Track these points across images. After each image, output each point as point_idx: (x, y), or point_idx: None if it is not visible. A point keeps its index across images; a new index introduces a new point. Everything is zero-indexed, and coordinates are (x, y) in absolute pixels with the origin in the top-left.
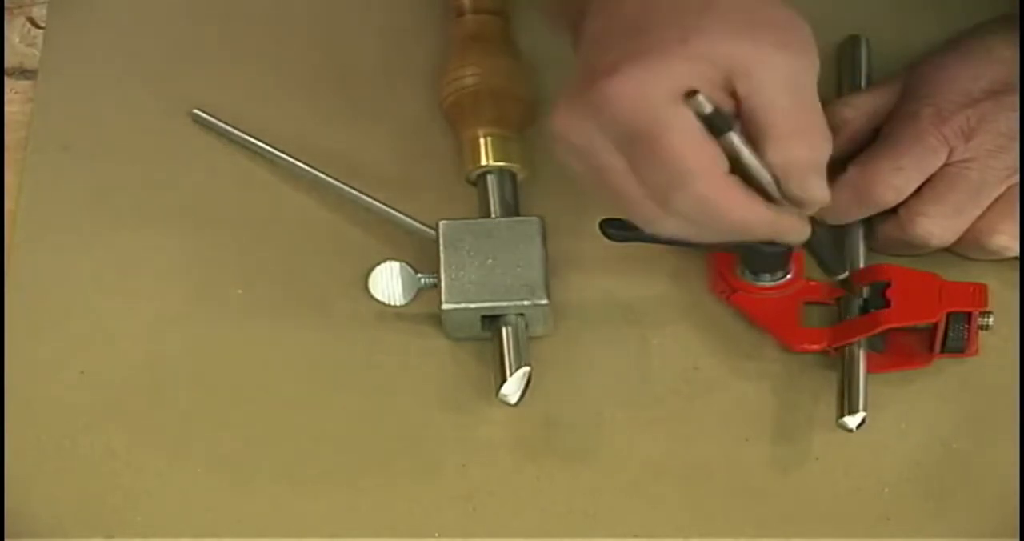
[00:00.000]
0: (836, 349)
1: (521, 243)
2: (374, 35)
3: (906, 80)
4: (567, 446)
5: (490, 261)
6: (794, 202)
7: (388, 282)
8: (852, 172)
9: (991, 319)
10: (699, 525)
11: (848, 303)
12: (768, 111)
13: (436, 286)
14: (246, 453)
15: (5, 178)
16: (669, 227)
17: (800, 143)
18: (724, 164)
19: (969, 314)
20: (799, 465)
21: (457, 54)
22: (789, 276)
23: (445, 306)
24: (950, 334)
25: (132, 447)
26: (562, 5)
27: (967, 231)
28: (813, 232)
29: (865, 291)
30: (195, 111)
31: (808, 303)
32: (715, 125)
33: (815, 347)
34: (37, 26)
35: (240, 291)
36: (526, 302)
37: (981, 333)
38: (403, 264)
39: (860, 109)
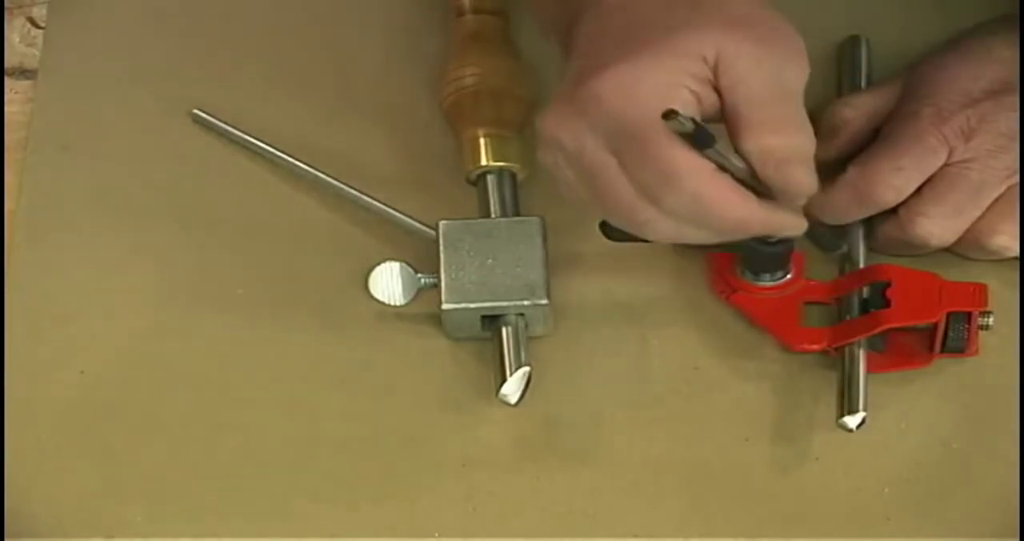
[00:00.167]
0: (836, 349)
1: (521, 243)
2: (374, 35)
3: (906, 80)
4: (567, 446)
5: (490, 261)
6: (777, 193)
7: (388, 282)
8: (852, 172)
9: (991, 319)
10: (699, 525)
11: (848, 303)
12: (746, 103)
13: (436, 286)
14: (246, 453)
15: (5, 178)
16: (663, 229)
17: (774, 132)
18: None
19: (969, 314)
20: (799, 465)
21: (457, 54)
22: (789, 276)
23: (445, 306)
24: (950, 334)
25: (132, 447)
26: (554, 15)
27: (967, 231)
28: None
29: (865, 291)
30: (195, 111)
31: (808, 303)
32: (697, 140)
33: (815, 347)
34: (37, 26)
35: (240, 291)
36: (526, 302)
37: (981, 333)
38: (403, 264)
39: (860, 109)
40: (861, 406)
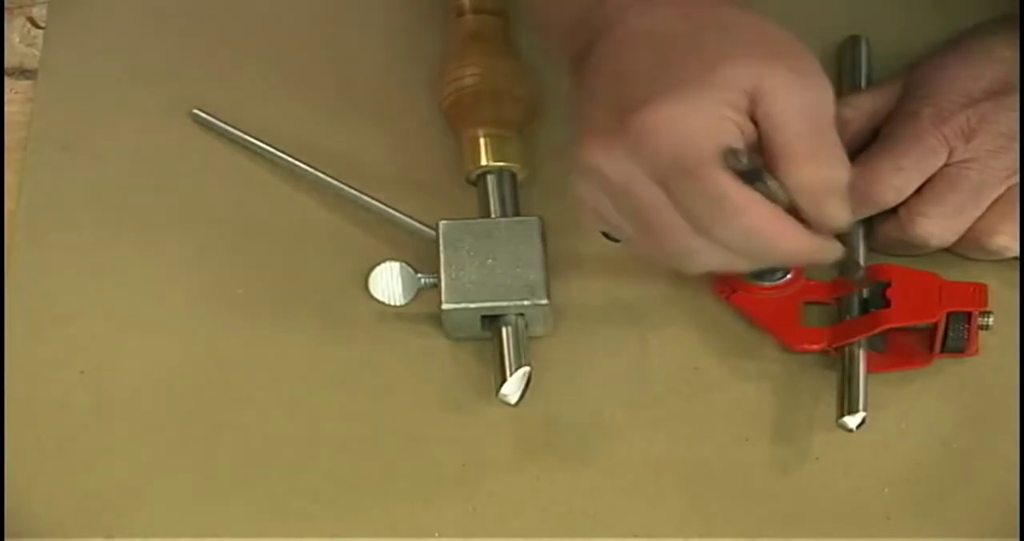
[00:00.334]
0: (836, 349)
1: (521, 243)
2: (374, 35)
3: (906, 80)
4: (567, 446)
5: (490, 261)
6: (812, 222)
7: (388, 282)
8: (852, 172)
9: (991, 319)
10: (699, 525)
11: (848, 303)
12: (784, 133)
13: (436, 286)
14: (246, 453)
15: (5, 178)
16: (711, 259)
17: (811, 163)
18: None
19: (969, 314)
20: (799, 465)
21: (457, 54)
22: (789, 276)
23: (445, 306)
24: (950, 334)
25: (132, 447)
26: (565, 39)
27: (967, 231)
28: None
29: (865, 291)
30: (195, 111)
31: (808, 303)
32: (750, 175)
33: (815, 347)
34: (37, 26)
35: (240, 291)
36: (526, 302)
37: (981, 333)
38: (403, 264)
39: (860, 109)
40: (861, 406)
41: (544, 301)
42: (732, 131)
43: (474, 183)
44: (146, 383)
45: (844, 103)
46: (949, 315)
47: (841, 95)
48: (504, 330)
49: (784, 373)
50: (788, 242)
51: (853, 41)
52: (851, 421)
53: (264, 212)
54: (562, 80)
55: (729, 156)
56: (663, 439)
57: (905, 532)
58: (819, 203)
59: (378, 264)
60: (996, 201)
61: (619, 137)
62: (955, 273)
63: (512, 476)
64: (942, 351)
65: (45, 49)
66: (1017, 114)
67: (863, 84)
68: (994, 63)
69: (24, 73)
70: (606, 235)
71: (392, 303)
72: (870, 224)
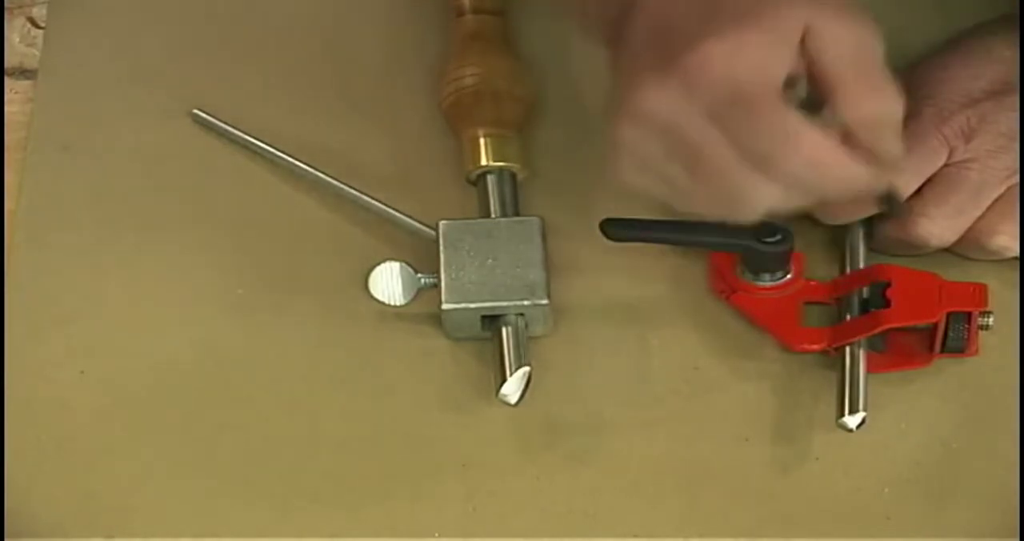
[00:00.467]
0: (836, 349)
1: (521, 243)
2: (374, 35)
3: (906, 80)
4: (567, 446)
5: (490, 261)
6: (868, 155)
7: (388, 282)
8: None
9: (991, 319)
10: (699, 525)
11: (848, 303)
12: (838, 68)
13: (436, 286)
14: (246, 453)
15: (5, 178)
16: (766, 197)
17: (869, 98)
18: None
19: (969, 314)
20: (799, 465)
21: (457, 54)
22: (789, 276)
23: (445, 306)
24: (950, 334)
25: (132, 447)
26: (596, 8)
27: (967, 231)
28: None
29: (865, 291)
30: (195, 111)
31: (808, 303)
32: (808, 106)
33: (815, 347)
34: (37, 26)
35: (240, 291)
36: (526, 302)
37: (981, 333)
38: (403, 264)
39: None
40: (861, 406)
41: (544, 301)
42: (788, 64)
43: (474, 183)
44: (146, 383)
45: None
46: (949, 315)
47: None
48: (504, 330)
49: (784, 373)
50: (847, 171)
51: None
52: (851, 421)
53: (264, 212)
54: (562, 80)
55: (792, 85)
56: (663, 439)
57: (905, 532)
58: (875, 135)
59: (378, 264)
60: (996, 201)
61: (672, 76)
62: (955, 273)
63: (512, 476)
64: (942, 351)
65: (45, 49)
66: (1017, 114)
67: None
68: (994, 63)
69: (24, 73)
70: (606, 234)
71: (392, 303)
72: (870, 224)
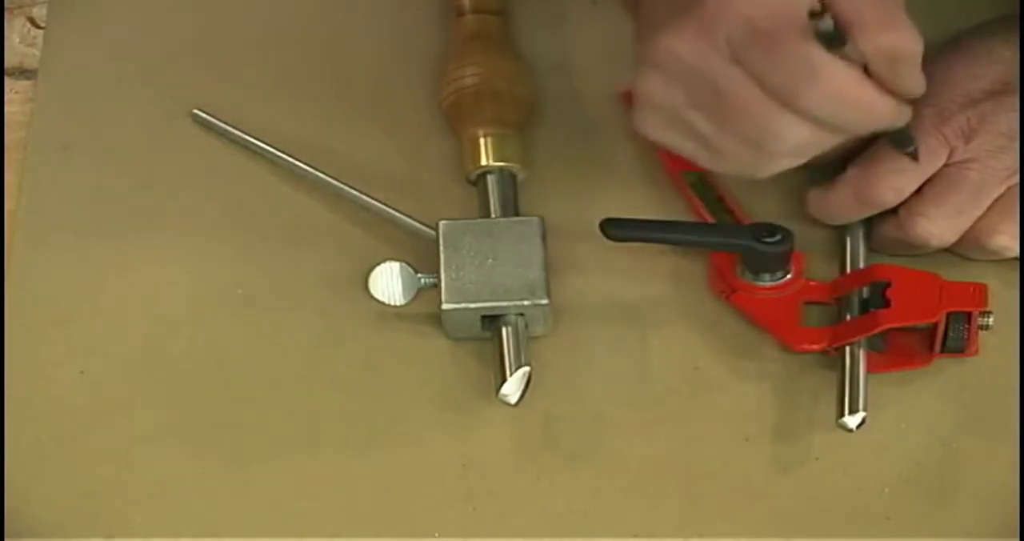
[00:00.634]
0: (836, 349)
1: (521, 243)
2: (374, 35)
3: None
4: (567, 446)
5: (490, 261)
6: (889, 89)
7: (388, 282)
8: (852, 172)
9: (991, 319)
10: (699, 525)
11: (848, 303)
12: (857, 6)
13: (436, 286)
14: (246, 453)
15: (5, 178)
16: (793, 134)
17: (887, 32)
18: None
19: (969, 314)
20: (799, 465)
21: (457, 54)
22: (789, 276)
23: (445, 306)
24: (950, 334)
25: (132, 447)
26: None
27: (967, 231)
28: None
29: (865, 291)
30: (195, 111)
31: (808, 303)
32: (832, 40)
33: (815, 347)
34: (37, 26)
35: (240, 291)
36: (526, 302)
37: (981, 333)
38: (403, 264)
39: None
40: (861, 406)
41: (544, 301)
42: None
43: (474, 183)
44: (146, 383)
45: None
46: (949, 315)
47: None
48: (504, 330)
49: (784, 373)
50: (871, 102)
51: None
52: (851, 421)
53: (264, 212)
54: (562, 80)
55: (816, 16)
56: (663, 439)
57: (905, 532)
58: (895, 68)
59: (378, 264)
60: (996, 201)
61: (692, 20)
62: (955, 273)
63: (512, 476)
64: (942, 351)
65: (45, 49)
66: (1017, 114)
67: None
68: (994, 63)
69: (24, 73)
70: (606, 234)
71: (392, 303)
72: (870, 224)
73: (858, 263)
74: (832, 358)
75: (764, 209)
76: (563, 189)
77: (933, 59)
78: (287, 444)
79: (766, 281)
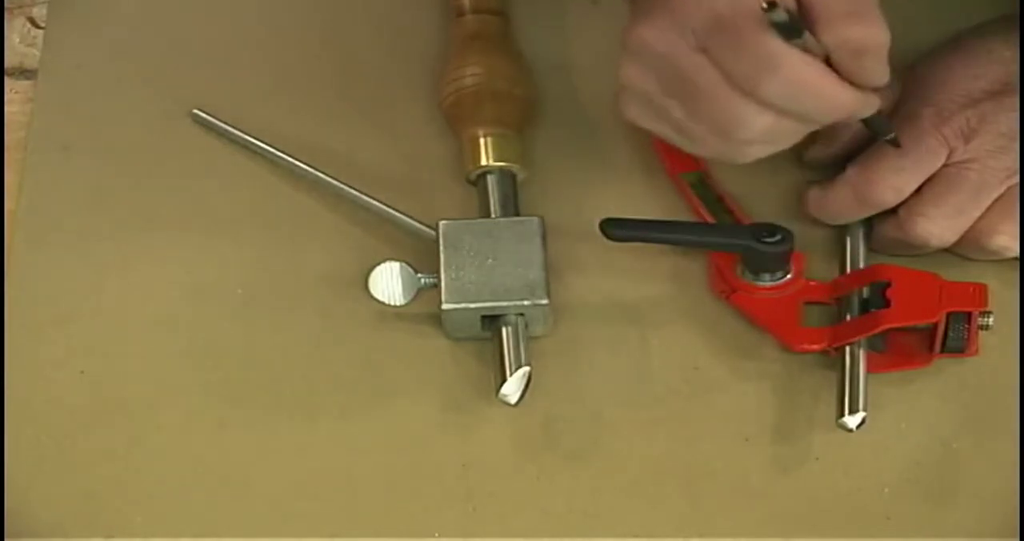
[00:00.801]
0: (836, 349)
1: (521, 243)
2: (374, 35)
3: (906, 80)
4: (567, 446)
5: (490, 261)
6: (851, 79)
7: (388, 282)
8: (852, 172)
9: (991, 319)
10: (699, 525)
11: (848, 303)
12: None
13: (436, 286)
14: (246, 453)
15: (5, 178)
16: (759, 124)
17: (851, 24)
18: None
19: (969, 314)
20: (799, 465)
21: (457, 54)
22: (789, 276)
23: (445, 306)
24: (950, 334)
25: (132, 447)
26: None
27: (967, 231)
28: None
29: (865, 291)
30: (195, 111)
31: (808, 303)
32: (790, 30)
33: (815, 347)
34: (37, 26)
35: (240, 291)
36: (526, 302)
37: (981, 333)
38: (403, 264)
39: None
40: (861, 406)
41: (544, 301)
42: None
43: (474, 183)
44: (146, 383)
45: None
46: (949, 315)
47: None
48: (504, 330)
49: (784, 373)
50: (832, 91)
51: None
52: (851, 421)
53: (264, 212)
54: (562, 80)
55: (770, 8)
56: (663, 439)
57: (905, 532)
58: (855, 59)
59: (378, 264)
60: (996, 201)
61: (664, 10)
62: (955, 273)
63: (512, 476)
64: (942, 351)
65: (45, 49)
66: (1017, 114)
67: None
68: (994, 63)
69: (24, 73)
70: (606, 234)
71: (392, 303)
72: (870, 224)
73: (858, 263)
74: (832, 358)
75: (764, 209)
76: (563, 189)
77: (933, 59)
78: (287, 444)
79: (766, 281)
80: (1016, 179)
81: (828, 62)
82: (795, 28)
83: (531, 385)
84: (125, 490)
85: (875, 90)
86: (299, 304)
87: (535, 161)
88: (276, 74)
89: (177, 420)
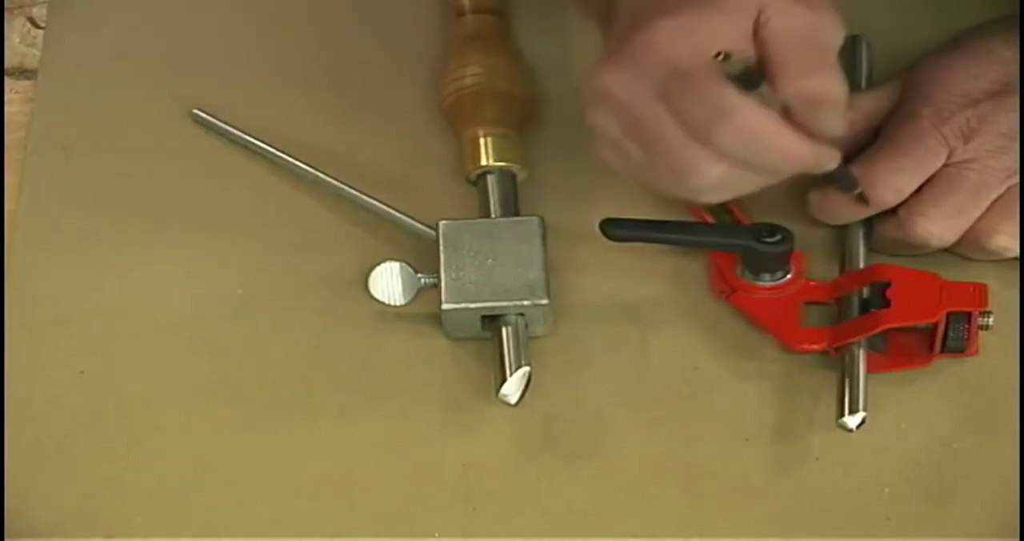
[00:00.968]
0: (836, 349)
1: (521, 243)
2: (374, 35)
3: (906, 80)
4: (567, 446)
5: (490, 261)
6: (808, 131)
7: (388, 282)
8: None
9: (991, 319)
10: (699, 525)
11: (848, 303)
12: (782, 50)
13: (436, 286)
14: (246, 453)
15: (5, 178)
16: (713, 173)
17: (808, 76)
18: None
19: (969, 314)
20: (799, 465)
21: (457, 54)
22: (789, 276)
23: (445, 306)
24: (950, 334)
25: (132, 447)
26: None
27: (967, 231)
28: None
29: (865, 291)
30: (195, 111)
31: (808, 303)
32: (745, 82)
33: (815, 347)
34: (37, 26)
35: (240, 291)
36: (526, 302)
37: (981, 333)
38: (403, 264)
39: (860, 109)
40: (861, 406)
41: (544, 301)
42: (728, 47)
43: (474, 183)
44: (146, 383)
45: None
46: (949, 315)
47: None
48: (504, 330)
49: (784, 373)
50: (784, 143)
51: (853, 41)
52: (851, 421)
53: (264, 212)
54: (562, 80)
55: (723, 59)
56: (663, 439)
57: (905, 532)
58: (810, 111)
59: (378, 264)
60: (996, 201)
61: (625, 56)
62: (955, 273)
63: (512, 476)
64: (942, 351)
65: (45, 49)
66: (1017, 114)
67: (863, 84)
68: (994, 63)
69: (24, 73)
70: (606, 234)
71: (392, 303)
72: (870, 224)
73: (858, 263)
74: (832, 358)
75: (764, 209)
76: (563, 189)
77: (933, 59)
78: (287, 443)
79: (766, 281)
80: (1016, 179)
81: (786, 114)
82: (751, 79)
83: (531, 385)
84: (125, 490)
85: (832, 142)
86: (299, 304)
87: (535, 161)
88: (276, 74)
89: (177, 420)
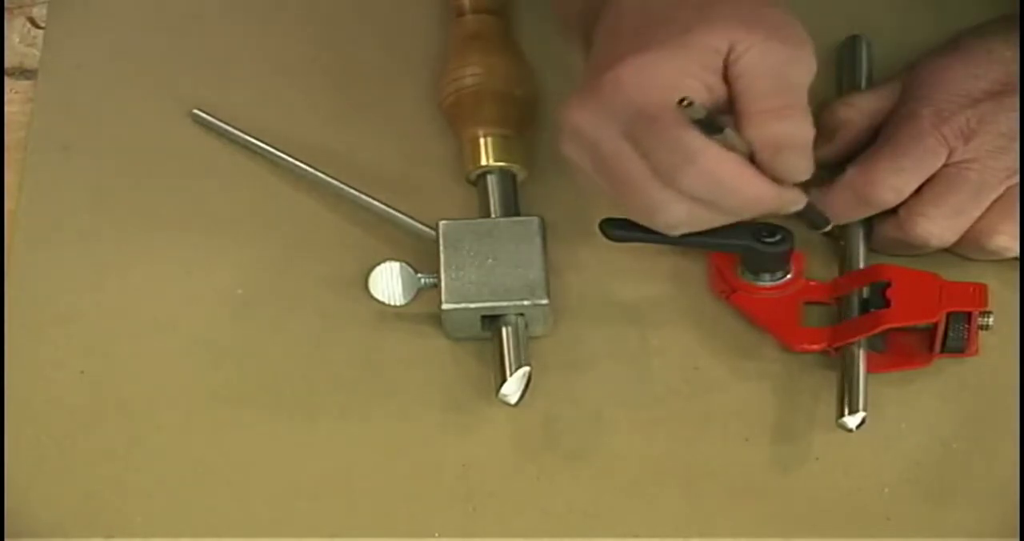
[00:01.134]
0: (836, 349)
1: (521, 243)
2: (374, 35)
3: (906, 80)
4: (567, 446)
5: (490, 261)
6: (774, 175)
7: (388, 282)
8: (852, 173)
9: (991, 319)
10: (699, 525)
11: (848, 303)
12: (749, 92)
13: (436, 286)
14: (246, 453)
15: (5, 178)
16: (676, 212)
17: (775, 120)
18: None
19: (969, 314)
20: (799, 465)
21: (457, 54)
22: (789, 276)
23: (445, 306)
24: (950, 334)
25: (132, 447)
26: (578, 17)
27: (967, 231)
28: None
29: (865, 291)
30: (195, 111)
31: (808, 303)
32: (708, 127)
33: (815, 347)
34: (37, 26)
35: (240, 291)
36: (526, 302)
37: (981, 333)
38: (403, 264)
39: (860, 109)
40: (861, 406)
41: (544, 301)
42: (697, 87)
43: (474, 183)
44: (146, 383)
45: (844, 103)
46: (949, 315)
47: (841, 95)
48: (504, 330)
49: (784, 373)
50: (748, 187)
51: (853, 41)
52: (851, 421)
53: (264, 212)
54: (562, 79)
55: (685, 105)
56: (663, 439)
57: (905, 532)
58: (780, 159)
59: (378, 264)
60: (996, 201)
61: (593, 93)
62: (955, 273)
63: (512, 476)
64: (942, 351)
65: (45, 49)
66: (1017, 114)
67: (863, 84)
68: (994, 63)
69: (24, 73)
70: (606, 234)
71: (392, 303)
72: (870, 224)
73: (858, 263)
74: (832, 358)
75: None
76: (563, 189)
77: (933, 59)
78: (287, 443)
79: (766, 281)
80: (1016, 179)
81: (753, 157)
82: (714, 124)
83: (531, 385)
84: (125, 490)
85: (797, 185)
86: (299, 304)
87: (535, 161)
88: (276, 74)
89: (177, 420)
